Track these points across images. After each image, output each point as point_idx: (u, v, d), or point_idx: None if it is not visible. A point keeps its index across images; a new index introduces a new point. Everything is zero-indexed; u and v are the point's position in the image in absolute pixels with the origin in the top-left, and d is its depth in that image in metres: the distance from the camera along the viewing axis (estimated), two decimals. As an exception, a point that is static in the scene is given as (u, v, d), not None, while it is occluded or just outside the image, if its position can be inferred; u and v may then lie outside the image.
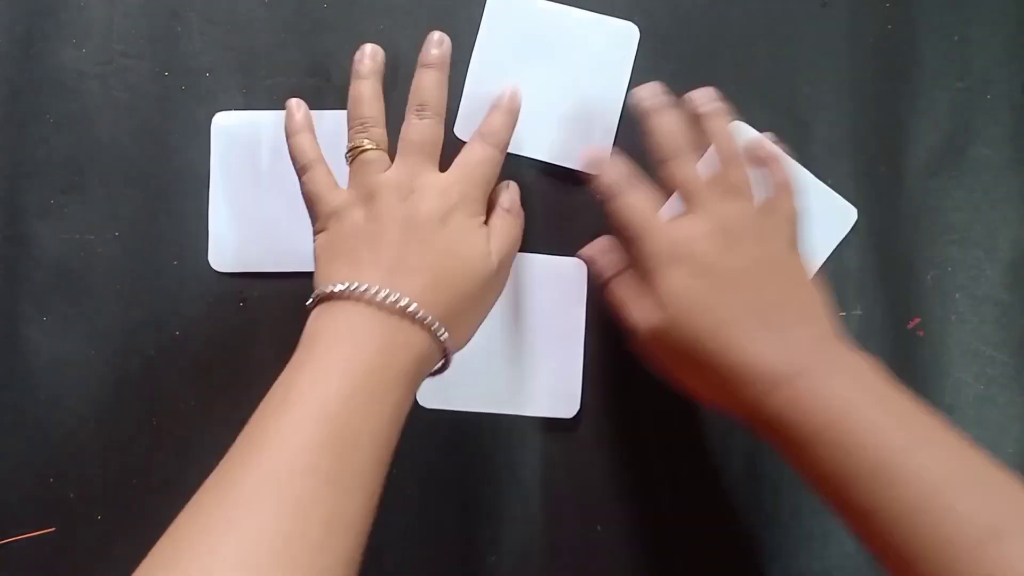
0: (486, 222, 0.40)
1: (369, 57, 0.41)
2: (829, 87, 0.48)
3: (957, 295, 0.47)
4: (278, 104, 0.48)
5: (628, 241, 0.39)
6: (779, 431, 0.34)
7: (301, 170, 0.40)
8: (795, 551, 0.45)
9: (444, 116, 0.40)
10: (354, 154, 0.39)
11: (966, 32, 0.48)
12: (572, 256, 0.46)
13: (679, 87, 0.48)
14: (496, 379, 0.46)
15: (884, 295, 0.47)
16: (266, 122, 0.47)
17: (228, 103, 0.48)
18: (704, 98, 0.41)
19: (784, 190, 0.40)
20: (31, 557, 0.45)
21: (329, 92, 0.48)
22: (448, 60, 0.41)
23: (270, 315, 0.47)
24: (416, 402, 0.45)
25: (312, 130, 0.42)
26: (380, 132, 0.40)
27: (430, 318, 0.35)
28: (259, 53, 0.48)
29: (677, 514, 0.46)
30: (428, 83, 0.40)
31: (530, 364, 0.46)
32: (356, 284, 0.35)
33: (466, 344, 0.40)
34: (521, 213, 0.42)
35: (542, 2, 0.47)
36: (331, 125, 0.43)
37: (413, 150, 0.39)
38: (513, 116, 0.41)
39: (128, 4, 0.49)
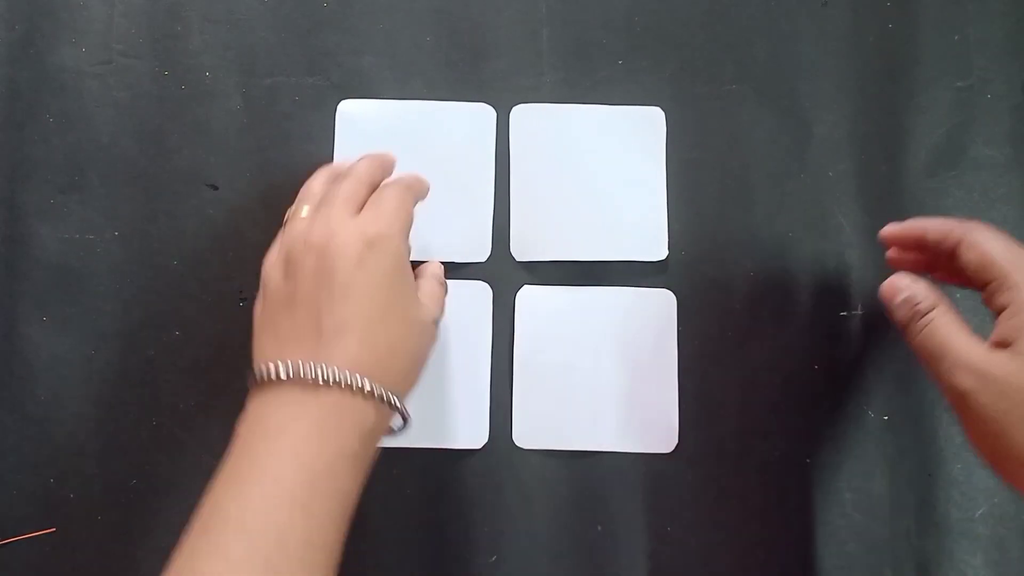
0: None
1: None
2: (829, 86, 0.48)
3: (957, 294, 0.47)
4: (279, 104, 0.48)
5: (992, 272, 0.35)
6: None
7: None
8: (793, 552, 0.45)
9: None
10: (288, 217, 0.38)
11: (966, 31, 0.48)
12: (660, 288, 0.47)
13: (679, 87, 0.48)
14: (590, 417, 0.46)
15: (884, 295, 0.47)
16: (390, 111, 0.48)
17: (227, 103, 0.48)
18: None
19: None
20: (31, 557, 0.45)
21: (329, 92, 0.48)
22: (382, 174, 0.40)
23: (270, 315, 0.47)
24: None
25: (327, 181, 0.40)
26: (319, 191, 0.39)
27: (369, 385, 0.33)
28: (259, 52, 0.48)
29: (677, 513, 0.46)
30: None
31: (624, 400, 0.46)
32: (278, 367, 0.33)
33: (412, 390, 0.38)
34: (445, 288, 0.42)
35: (561, 106, 0.48)
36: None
37: (331, 200, 0.37)
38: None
39: (128, 4, 0.48)
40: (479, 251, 0.47)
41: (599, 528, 0.45)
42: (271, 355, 0.34)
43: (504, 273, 0.47)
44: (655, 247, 0.47)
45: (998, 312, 0.35)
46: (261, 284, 0.37)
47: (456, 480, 0.46)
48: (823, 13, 0.48)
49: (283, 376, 0.33)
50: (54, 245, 0.47)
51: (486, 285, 0.47)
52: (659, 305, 0.47)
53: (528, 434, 0.46)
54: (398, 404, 0.35)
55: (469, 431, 0.46)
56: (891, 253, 0.43)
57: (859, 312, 0.47)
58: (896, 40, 0.48)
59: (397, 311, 0.36)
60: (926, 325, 0.36)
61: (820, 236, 0.47)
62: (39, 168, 0.47)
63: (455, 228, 0.47)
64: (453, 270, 0.47)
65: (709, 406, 0.46)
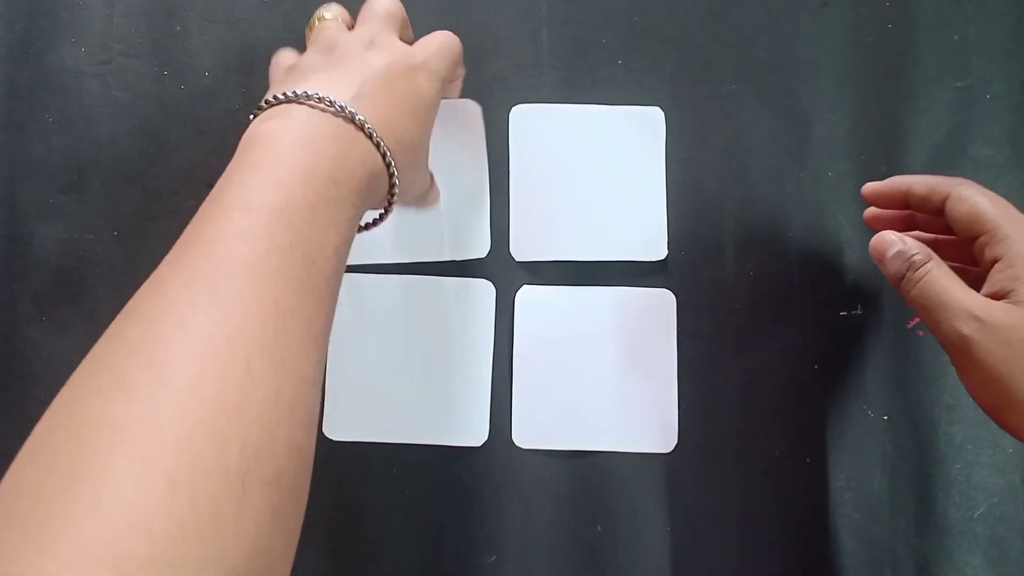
0: None
1: None
2: (829, 86, 0.48)
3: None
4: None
5: (984, 225, 0.36)
6: None
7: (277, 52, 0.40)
8: (793, 552, 0.46)
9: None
10: (312, 23, 0.39)
11: (966, 31, 0.48)
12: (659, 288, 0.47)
13: (679, 87, 0.48)
14: (590, 416, 0.46)
15: (884, 295, 0.47)
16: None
17: (227, 103, 0.48)
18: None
19: None
20: (31, 557, 0.45)
21: (329, 92, 0.48)
22: None
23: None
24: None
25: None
26: (341, 9, 0.39)
27: (379, 137, 0.33)
28: (259, 52, 0.48)
29: (677, 513, 0.46)
30: None
31: (624, 400, 0.46)
32: (307, 89, 0.32)
33: (404, 200, 0.38)
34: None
35: (560, 106, 0.48)
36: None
37: (376, 17, 0.38)
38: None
39: (127, 3, 0.48)
40: (479, 247, 0.47)
41: (599, 528, 0.45)
42: (294, 87, 0.33)
43: (504, 273, 0.47)
44: (655, 247, 0.47)
45: (990, 264, 0.36)
46: (290, 70, 0.37)
47: (456, 480, 0.46)
48: (823, 13, 0.48)
49: (314, 95, 0.32)
50: (54, 245, 0.47)
51: (489, 283, 0.47)
52: (659, 305, 0.47)
53: (527, 434, 0.46)
54: (394, 185, 0.35)
55: (469, 429, 0.46)
56: (869, 214, 0.43)
57: (859, 312, 0.47)
58: (896, 40, 0.48)
59: (424, 122, 0.37)
60: (923, 276, 0.36)
61: (820, 236, 0.47)
62: (39, 168, 0.47)
63: (458, 224, 0.47)
64: (454, 269, 0.47)
65: (709, 406, 0.46)
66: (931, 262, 0.36)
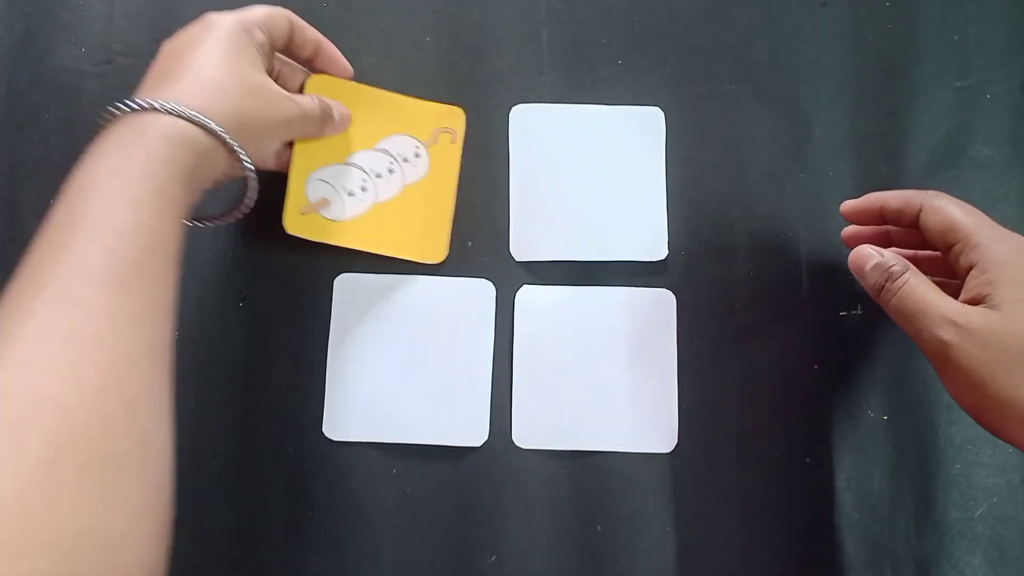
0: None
1: None
2: (829, 86, 0.48)
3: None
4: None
5: (957, 235, 0.37)
6: None
7: None
8: (792, 552, 0.46)
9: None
10: None
11: (966, 31, 0.48)
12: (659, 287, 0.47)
13: (679, 87, 0.48)
14: (590, 417, 0.46)
15: (884, 295, 0.47)
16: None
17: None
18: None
19: None
20: (31, 557, 0.45)
21: (329, 92, 0.48)
22: None
23: (270, 315, 0.47)
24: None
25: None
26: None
27: (170, 104, 0.34)
28: (259, 53, 0.48)
29: (677, 513, 0.46)
30: None
31: (624, 400, 0.46)
32: (116, 105, 0.34)
33: (262, 160, 0.41)
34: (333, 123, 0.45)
35: (560, 106, 0.48)
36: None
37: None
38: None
39: (127, 4, 0.48)
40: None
41: (599, 528, 0.45)
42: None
43: (504, 273, 0.47)
44: (655, 247, 0.47)
45: (966, 271, 0.37)
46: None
47: (456, 480, 0.46)
48: (823, 13, 0.49)
49: (120, 110, 0.34)
50: (54, 245, 0.47)
51: (489, 283, 0.47)
52: (659, 305, 0.47)
53: (527, 434, 0.46)
54: (214, 128, 0.36)
55: (469, 429, 0.46)
56: (846, 232, 0.45)
57: (859, 312, 0.47)
58: (896, 40, 0.48)
59: (238, 76, 0.38)
60: (902, 286, 0.37)
61: (820, 236, 0.47)
62: (38, 168, 0.47)
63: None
64: (454, 269, 0.47)
65: (709, 406, 0.46)
66: (908, 272, 0.37)
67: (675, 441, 0.46)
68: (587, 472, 0.46)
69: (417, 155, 0.47)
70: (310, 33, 0.44)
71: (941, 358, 0.36)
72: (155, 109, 0.34)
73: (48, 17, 0.48)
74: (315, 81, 0.46)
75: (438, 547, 0.45)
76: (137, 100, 0.34)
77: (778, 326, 0.47)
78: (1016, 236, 0.37)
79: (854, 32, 0.48)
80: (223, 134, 0.36)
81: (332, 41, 0.48)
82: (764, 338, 0.47)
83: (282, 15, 0.42)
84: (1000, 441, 0.45)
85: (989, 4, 0.48)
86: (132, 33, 0.48)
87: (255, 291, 0.47)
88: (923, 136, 0.48)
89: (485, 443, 0.46)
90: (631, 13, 0.48)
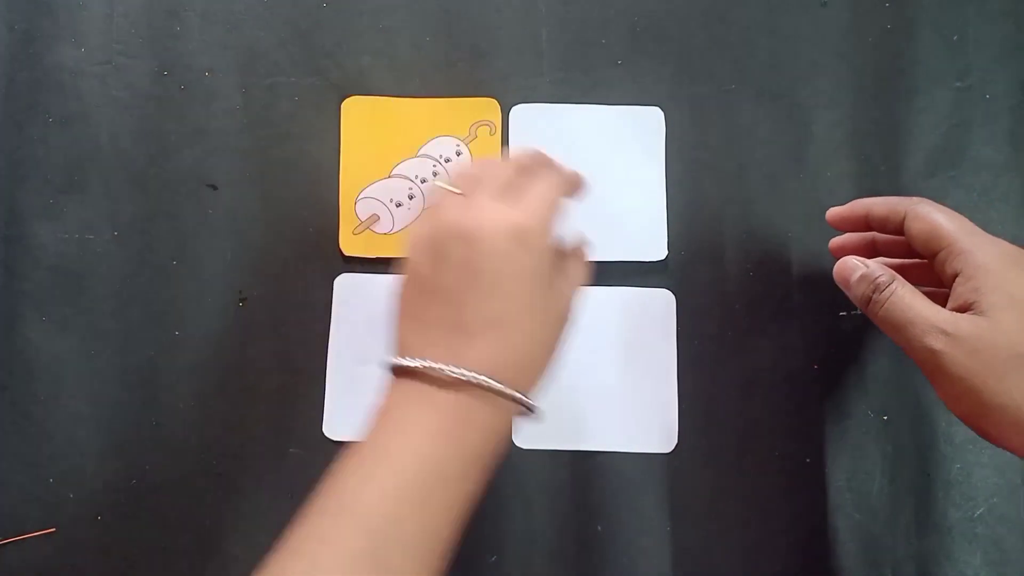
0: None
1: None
2: (829, 87, 0.48)
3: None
4: (278, 104, 0.48)
5: (943, 241, 0.37)
6: None
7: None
8: (793, 552, 0.46)
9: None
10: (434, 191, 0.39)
11: (965, 31, 0.48)
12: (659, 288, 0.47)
13: (679, 87, 0.48)
14: (590, 417, 0.46)
15: (884, 295, 0.47)
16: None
17: (226, 103, 0.48)
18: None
19: None
20: (31, 558, 0.45)
21: (328, 91, 0.48)
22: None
23: (270, 315, 0.47)
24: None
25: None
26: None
27: (501, 387, 0.33)
28: (258, 52, 0.48)
29: (677, 513, 0.46)
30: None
31: (624, 400, 0.46)
32: (415, 361, 0.33)
33: (545, 381, 0.37)
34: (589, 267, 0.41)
35: (560, 106, 0.48)
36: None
37: (482, 184, 0.36)
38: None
39: (127, 3, 0.48)
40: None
41: (599, 528, 0.45)
42: (411, 344, 0.35)
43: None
44: (655, 247, 0.47)
45: (952, 278, 0.37)
46: (407, 263, 0.36)
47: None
48: (822, 13, 0.49)
49: (419, 368, 0.33)
50: (53, 245, 0.47)
51: None
52: (659, 305, 0.47)
53: (528, 434, 0.46)
54: (528, 403, 0.35)
55: None
56: (834, 243, 0.44)
57: (859, 312, 0.47)
58: (895, 40, 0.48)
59: (538, 309, 0.35)
60: (889, 296, 0.37)
61: (820, 236, 0.47)
62: (38, 168, 0.47)
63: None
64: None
65: (709, 406, 0.46)
66: (895, 282, 0.37)
67: (675, 441, 0.46)
68: (587, 472, 0.46)
69: (459, 153, 0.48)
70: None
71: (932, 367, 0.36)
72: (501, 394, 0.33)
73: (48, 17, 0.48)
74: (350, 104, 0.47)
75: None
76: (493, 384, 0.33)
77: (778, 326, 0.47)
78: (1000, 241, 0.37)
79: (854, 32, 0.48)
80: (538, 411, 0.35)
81: (332, 41, 0.49)
82: (764, 338, 0.46)
83: (564, 191, 0.38)
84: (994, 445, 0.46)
85: (989, 4, 0.48)
86: (131, 33, 0.48)
87: (255, 291, 0.47)
88: (923, 136, 0.48)
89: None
90: (631, 13, 0.48)
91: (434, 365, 0.33)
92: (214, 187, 0.48)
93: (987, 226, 0.47)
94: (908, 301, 0.36)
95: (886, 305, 0.37)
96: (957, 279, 0.36)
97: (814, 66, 0.48)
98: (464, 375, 0.33)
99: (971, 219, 0.47)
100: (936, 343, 0.35)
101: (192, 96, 0.48)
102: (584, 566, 0.45)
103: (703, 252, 0.47)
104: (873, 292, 0.38)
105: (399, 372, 0.35)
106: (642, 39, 0.48)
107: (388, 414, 0.34)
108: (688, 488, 0.46)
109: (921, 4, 0.48)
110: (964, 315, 0.35)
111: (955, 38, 0.48)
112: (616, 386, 0.46)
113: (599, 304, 0.47)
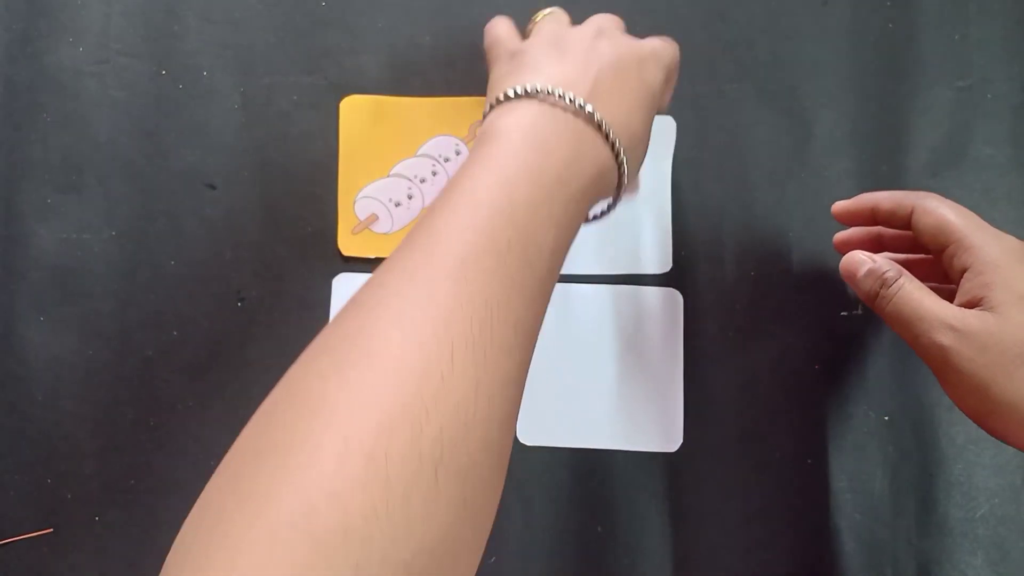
0: None
1: None
2: (829, 86, 0.48)
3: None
4: (277, 103, 0.48)
5: (950, 237, 0.37)
6: None
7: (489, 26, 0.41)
8: (794, 552, 0.45)
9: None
10: (537, 19, 0.39)
11: (967, 31, 0.48)
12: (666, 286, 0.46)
13: (679, 87, 0.48)
14: (596, 414, 0.46)
15: (885, 295, 0.47)
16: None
17: (226, 103, 0.48)
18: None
19: None
20: (29, 558, 0.45)
21: (327, 91, 0.48)
22: None
23: (269, 315, 0.47)
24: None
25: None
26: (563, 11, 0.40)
27: (614, 135, 0.33)
28: (257, 52, 0.48)
29: (678, 514, 0.46)
30: None
31: (630, 398, 0.46)
32: (541, 85, 0.33)
33: (632, 190, 0.38)
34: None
35: None
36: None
37: (600, 17, 0.38)
38: None
39: (125, 3, 0.48)
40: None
41: (599, 528, 0.45)
42: (528, 80, 0.34)
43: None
44: (660, 261, 0.47)
45: (960, 274, 0.36)
46: (515, 54, 0.37)
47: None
48: (823, 12, 0.48)
49: (547, 92, 0.33)
50: (52, 245, 0.47)
51: None
52: (666, 304, 0.46)
53: (533, 431, 0.46)
54: (623, 177, 0.35)
55: None
56: (838, 238, 0.44)
57: (860, 312, 0.47)
58: (896, 39, 0.48)
59: (650, 108, 0.37)
60: (897, 292, 0.37)
61: (821, 236, 0.47)
62: (37, 168, 0.47)
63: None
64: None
65: (711, 406, 0.46)
66: (903, 277, 0.37)
67: (680, 440, 0.46)
68: (589, 471, 0.46)
69: (458, 152, 0.47)
70: None
71: (940, 363, 0.35)
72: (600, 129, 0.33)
73: (46, 17, 0.48)
74: (348, 103, 0.47)
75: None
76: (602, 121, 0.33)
77: (779, 326, 0.46)
78: (1008, 237, 0.37)
79: (854, 32, 0.48)
80: (626, 182, 0.35)
81: (331, 40, 0.49)
82: (765, 338, 0.46)
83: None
84: (998, 441, 0.45)
85: (990, 4, 0.48)
86: (130, 33, 0.48)
87: (253, 291, 0.47)
88: (924, 136, 0.48)
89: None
90: (631, 13, 0.48)
91: (558, 90, 0.32)
92: (213, 187, 0.47)
93: (988, 226, 0.47)
94: (916, 296, 0.36)
95: (893, 300, 0.37)
96: (966, 275, 0.36)
97: (815, 65, 0.48)
98: (585, 105, 0.32)
99: (972, 219, 0.47)
100: (944, 339, 0.35)
101: (190, 96, 0.48)
102: (584, 566, 0.45)
103: (704, 252, 0.47)
104: (880, 287, 0.37)
105: (507, 102, 0.34)
106: (642, 38, 0.48)
107: (509, 132, 0.32)
108: (689, 488, 0.46)
109: (922, 3, 0.48)
110: (973, 311, 0.35)
111: (957, 37, 0.48)
112: (621, 384, 0.46)
113: (605, 302, 0.46)
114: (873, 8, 0.48)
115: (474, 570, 0.27)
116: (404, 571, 0.22)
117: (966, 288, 0.36)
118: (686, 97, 0.48)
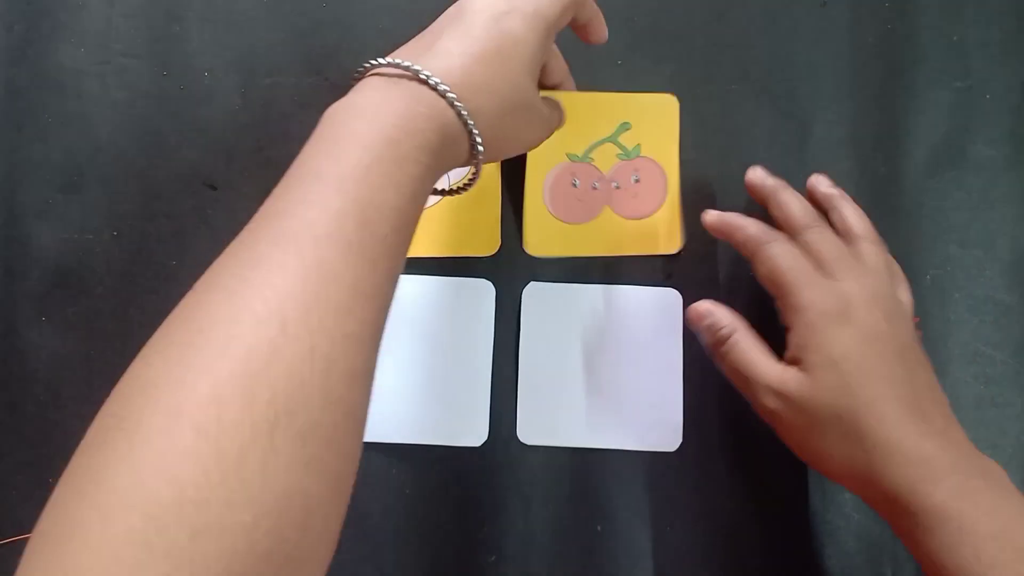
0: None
1: None
2: (829, 87, 0.48)
3: (956, 295, 0.47)
4: (278, 104, 0.48)
5: (780, 291, 0.39)
6: (918, 516, 0.34)
7: None
8: (793, 552, 0.45)
9: None
10: None
11: (965, 32, 0.48)
12: (666, 287, 0.47)
13: (679, 87, 0.48)
14: (596, 414, 0.46)
15: (884, 295, 0.47)
16: None
17: (226, 103, 0.48)
18: (826, 183, 0.43)
19: (902, 280, 0.41)
20: (29, 558, 0.45)
21: (327, 91, 0.48)
22: None
23: (269, 315, 0.47)
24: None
25: None
26: None
27: (449, 90, 0.33)
28: (258, 52, 0.48)
29: (679, 513, 0.46)
30: None
31: (629, 398, 0.46)
32: (371, 61, 0.33)
33: (495, 157, 0.38)
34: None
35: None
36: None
37: None
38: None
39: (127, 4, 0.48)
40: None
41: (599, 528, 0.45)
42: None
43: (511, 269, 0.47)
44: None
45: (788, 328, 0.39)
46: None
47: (456, 480, 0.46)
48: (822, 13, 0.49)
49: (377, 65, 0.33)
50: (53, 245, 0.47)
51: (489, 283, 0.47)
52: (665, 304, 0.47)
53: (532, 430, 0.46)
54: (474, 136, 0.34)
55: (469, 429, 0.46)
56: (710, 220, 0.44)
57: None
58: (895, 40, 0.48)
59: (511, 74, 0.36)
60: (730, 349, 0.40)
61: (820, 236, 0.47)
62: (38, 168, 0.47)
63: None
64: (455, 268, 0.47)
65: (710, 405, 0.46)
66: (736, 334, 0.40)
67: (680, 439, 0.46)
68: (589, 470, 0.46)
69: None
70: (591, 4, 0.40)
71: (770, 421, 0.39)
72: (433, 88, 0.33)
73: (47, 17, 0.48)
74: None
75: (438, 547, 0.45)
76: (432, 79, 0.33)
77: (779, 326, 0.46)
78: (834, 289, 0.38)
79: (853, 32, 0.48)
80: (477, 140, 0.35)
81: (331, 41, 0.49)
82: (765, 338, 0.46)
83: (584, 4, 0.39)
84: (999, 441, 0.46)
85: (989, 4, 0.48)
86: (131, 33, 0.48)
87: (254, 291, 0.47)
88: (923, 136, 0.48)
89: (485, 443, 0.46)
90: (631, 13, 0.48)
91: (387, 59, 0.33)
92: (213, 187, 0.48)
93: (988, 227, 0.47)
94: (747, 356, 0.39)
95: (728, 358, 0.40)
96: (789, 333, 0.39)
97: (814, 66, 0.48)
98: (414, 67, 0.32)
99: (972, 220, 0.47)
100: (770, 403, 0.38)
101: (191, 96, 0.48)
102: (584, 566, 0.45)
103: (704, 252, 0.47)
104: (716, 344, 0.40)
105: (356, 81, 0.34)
106: (642, 39, 0.48)
107: (337, 111, 0.33)
108: (691, 487, 0.46)
109: (921, 4, 0.48)
110: (792, 372, 0.38)
111: (955, 38, 0.48)
112: (620, 384, 0.46)
113: (605, 302, 0.47)
114: (872, 9, 0.48)
115: (338, 526, 0.27)
116: (246, 533, 0.23)
117: (791, 344, 0.38)
118: (686, 97, 0.48)
